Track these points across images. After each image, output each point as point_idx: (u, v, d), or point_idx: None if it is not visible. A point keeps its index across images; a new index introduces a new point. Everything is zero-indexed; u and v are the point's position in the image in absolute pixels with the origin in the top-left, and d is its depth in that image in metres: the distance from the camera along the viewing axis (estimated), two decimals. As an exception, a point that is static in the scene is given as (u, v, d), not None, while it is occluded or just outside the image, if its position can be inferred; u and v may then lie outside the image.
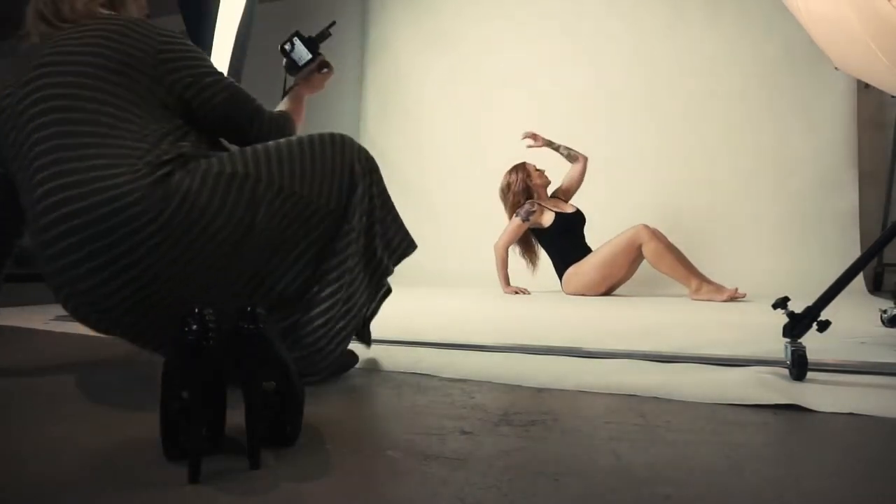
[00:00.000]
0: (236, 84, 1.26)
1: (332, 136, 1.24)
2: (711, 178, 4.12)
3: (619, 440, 0.87)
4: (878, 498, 0.69)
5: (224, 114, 1.23)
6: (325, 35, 1.57)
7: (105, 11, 1.26)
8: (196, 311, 0.76)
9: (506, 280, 3.69)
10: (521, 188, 3.72)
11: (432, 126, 4.79)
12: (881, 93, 3.27)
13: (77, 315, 1.13)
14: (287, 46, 1.52)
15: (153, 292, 1.06)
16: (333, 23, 1.60)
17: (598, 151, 4.32)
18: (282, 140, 1.20)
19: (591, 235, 3.69)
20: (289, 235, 1.16)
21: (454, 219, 4.60)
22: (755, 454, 0.82)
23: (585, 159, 3.79)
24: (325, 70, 1.55)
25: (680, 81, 4.23)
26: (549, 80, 4.50)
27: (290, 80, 1.54)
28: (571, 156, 3.79)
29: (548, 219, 3.64)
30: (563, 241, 3.63)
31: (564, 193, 3.84)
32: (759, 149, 4.05)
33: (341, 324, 1.20)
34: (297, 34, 1.52)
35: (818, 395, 1.10)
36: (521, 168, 3.77)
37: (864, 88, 3.77)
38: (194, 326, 0.75)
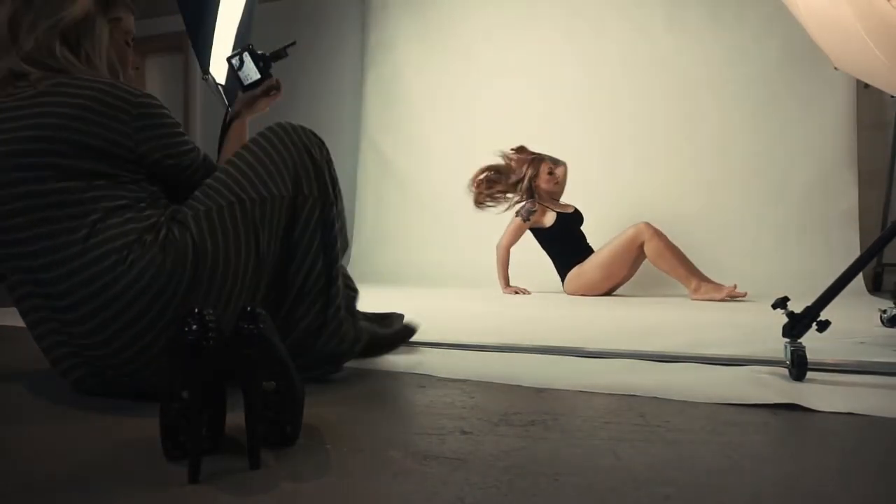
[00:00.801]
0: (207, 162, 1.20)
1: (279, 128, 1.20)
2: (711, 177, 4.12)
3: (619, 440, 0.87)
4: (877, 498, 0.69)
5: (193, 185, 1.16)
6: (280, 55, 1.43)
7: (69, 57, 1.12)
8: (196, 311, 0.76)
9: (506, 280, 3.68)
10: (526, 186, 3.67)
11: (432, 126, 4.78)
12: (881, 93, 3.27)
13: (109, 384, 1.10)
14: (235, 62, 1.38)
15: None
16: (293, 43, 1.47)
17: (598, 151, 4.33)
18: (234, 156, 1.17)
19: (591, 236, 3.68)
20: (296, 238, 1.17)
21: (454, 219, 4.60)
22: (755, 454, 0.82)
23: (566, 166, 3.74)
24: (274, 93, 1.42)
25: (679, 80, 4.22)
26: (549, 80, 4.50)
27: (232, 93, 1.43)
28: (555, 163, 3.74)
29: (549, 219, 3.61)
30: (564, 241, 3.62)
31: (552, 195, 3.75)
32: (758, 148, 4.05)
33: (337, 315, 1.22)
34: (249, 49, 1.38)
35: (818, 395, 1.10)
36: (534, 164, 3.68)
37: (864, 88, 3.77)
38: (194, 326, 0.75)
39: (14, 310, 1.12)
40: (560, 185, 3.71)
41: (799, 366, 1.21)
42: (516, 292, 3.60)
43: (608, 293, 3.52)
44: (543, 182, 3.67)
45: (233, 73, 1.39)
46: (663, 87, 4.26)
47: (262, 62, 1.39)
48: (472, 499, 0.67)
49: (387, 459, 0.80)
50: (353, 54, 5.10)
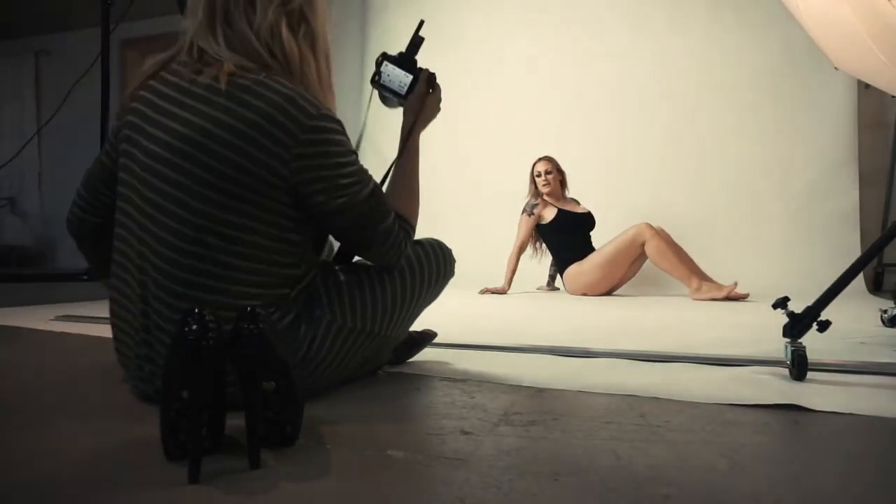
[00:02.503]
0: (371, 201, 1.05)
1: (444, 276, 1.32)
2: (711, 178, 4.12)
3: (619, 440, 0.87)
4: (877, 498, 0.69)
5: (343, 235, 1.09)
6: (417, 43, 1.26)
7: (293, 48, 1.00)
8: (196, 311, 0.76)
9: (508, 281, 3.69)
10: (531, 185, 3.87)
11: (432, 125, 4.78)
12: (881, 93, 3.27)
13: None
14: (379, 77, 1.21)
15: None
16: (422, 23, 1.29)
17: (598, 151, 4.33)
18: (402, 288, 1.17)
19: (592, 236, 3.70)
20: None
21: (454, 219, 4.60)
22: (755, 454, 0.82)
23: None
24: (436, 84, 1.26)
25: (680, 81, 4.23)
26: (550, 80, 4.51)
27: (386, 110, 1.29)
28: None
29: (549, 214, 3.70)
30: (563, 238, 3.65)
31: (556, 195, 3.87)
32: (759, 149, 4.05)
33: None
34: (385, 57, 1.22)
35: (818, 395, 1.10)
36: (534, 164, 3.86)
37: (864, 88, 3.77)
38: (194, 326, 0.75)
39: (14, 310, 1.11)
40: (551, 185, 3.77)
41: (799, 366, 1.21)
42: (491, 291, 3.60)
43: (608, 293, 3.53)
44: (535, 176, 3.83)
45: (383, 90, 1.24)
46: (663, 87, 4.26)
47: (406, 60, 1.23)
48: (472, 499, 0.67)
49: (387, 459, 0.80)
50: (353, 54, 5.10)
